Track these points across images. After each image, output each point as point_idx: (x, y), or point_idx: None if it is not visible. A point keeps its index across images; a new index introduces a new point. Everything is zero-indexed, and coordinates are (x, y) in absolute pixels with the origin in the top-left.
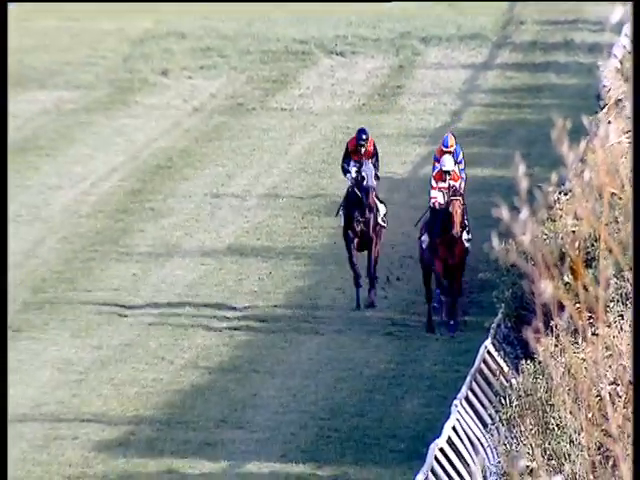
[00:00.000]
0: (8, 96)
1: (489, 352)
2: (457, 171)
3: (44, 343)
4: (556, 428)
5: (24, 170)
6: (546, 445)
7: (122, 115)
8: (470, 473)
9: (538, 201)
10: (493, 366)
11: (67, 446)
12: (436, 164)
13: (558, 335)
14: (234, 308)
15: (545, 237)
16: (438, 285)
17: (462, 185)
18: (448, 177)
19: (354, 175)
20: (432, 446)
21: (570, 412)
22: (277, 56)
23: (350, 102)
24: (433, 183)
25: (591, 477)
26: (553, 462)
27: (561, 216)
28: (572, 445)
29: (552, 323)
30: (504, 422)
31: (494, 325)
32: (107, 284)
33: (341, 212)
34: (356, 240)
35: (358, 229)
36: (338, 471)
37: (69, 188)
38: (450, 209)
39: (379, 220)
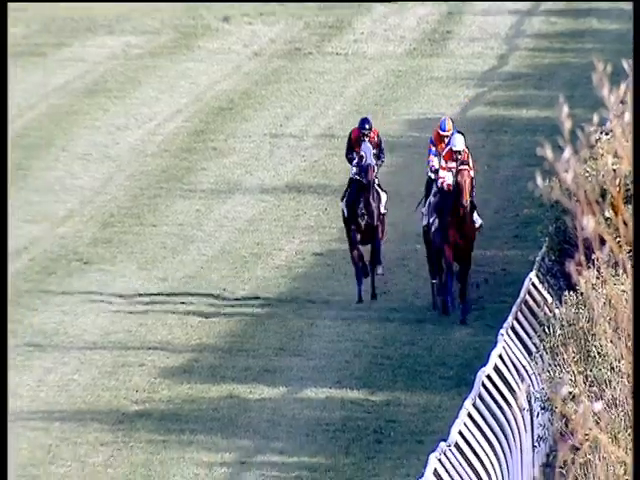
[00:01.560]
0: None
1: (534, 284)
2: (467, 151)
3: (113, 275)
4: (597, 356)
5: (93, 112)
6: (588, 372)
7: (186, 59)
8: (515, 399)
9: (580, 141)
10: (537, 297)
11: (134, 372)
12: (432, 147)
13: (599, 268)
14: (292, 242)
15: (587, 175)
16: (447, 269)
17: (471, 164)
18: (459, 157)
19: (357, 162)
20: (479, 373)
21: (610, 341)
22: (333, 3)
23: (402, 47)
24: (442, 163)
25: (630, 402)
26: (594, 388)
27: (602, 155)
28: (612, 372)
29: (593, 256)
30: (548, 350)
31: (538, 258)
32: (172, 219)
33: (343, 206)
34: (359, 235)
35: (362, 222)
36: (390, 396)
37: (136, 128)
38: (459, 178)
39: (381, 208)
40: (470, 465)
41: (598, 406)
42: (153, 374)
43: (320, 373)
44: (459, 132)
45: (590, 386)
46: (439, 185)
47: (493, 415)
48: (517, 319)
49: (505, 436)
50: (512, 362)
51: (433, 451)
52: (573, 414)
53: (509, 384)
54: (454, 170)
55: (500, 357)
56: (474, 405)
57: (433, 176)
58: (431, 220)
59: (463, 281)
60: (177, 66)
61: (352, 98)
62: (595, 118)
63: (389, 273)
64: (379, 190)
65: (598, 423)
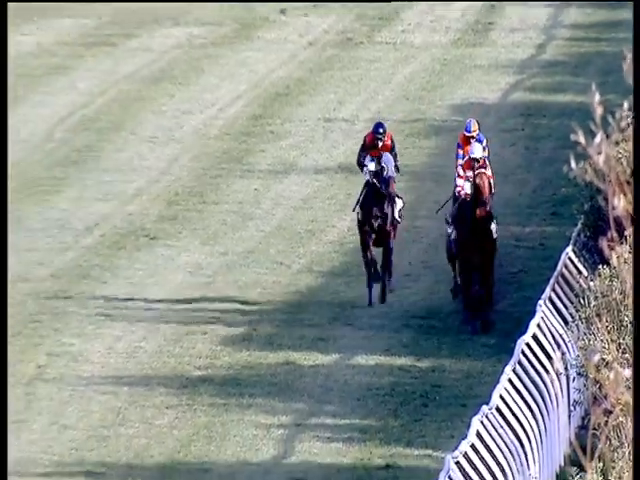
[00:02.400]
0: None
1: (570, 258)
2: (485, 158)
3: (177, 249)
4: (629, 325)
5: (160, 97)
6: (620, 341)
7: (245, 49)
8: (552, 365)
9: (612, 125)
10: (573, 270)
11: (197, 340)
12: (459, 151)
13: (630, 243)
14: (343, 219)
15: (618, 157)
16: (467, 280)
17: (490, 172)
18: (477, 165)
19: (373, 168)
20: (519, 341)
21: None
22: None
23: (447, 37)
24: (460, 172)
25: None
26: (626, 355)
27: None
28: None
29: (625, 233)
30: (583, 320)
31: (574, 234)
32: (232, 198)
33: (358, 209)
34: (373, 235)
35: (376, 225)
36: (436, 363)
37: (199, 113)
38: (477, 180)
39: (395, 215)
40: (510, 427)
41: (629, 372)
42: (215, 342)
43: (370, 341)
44: (478, 140)
45: (622, 353)
46: (456, 193)
47: (532, 380)
48: (554, 291)
49: (543, 400)
50: (549, 331)
51: (476, 414)
52: (606, 380)
53: (547, 352)
54: (471, 179)
55: (538, 326)
56: (514, 371)
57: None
58: (449, 230)
59: (487, 289)
60: (237, 55)
61: (400, 84)
62: (626, 104)
63: (432, 249)
64: (395, 197)
65: (629, 388)
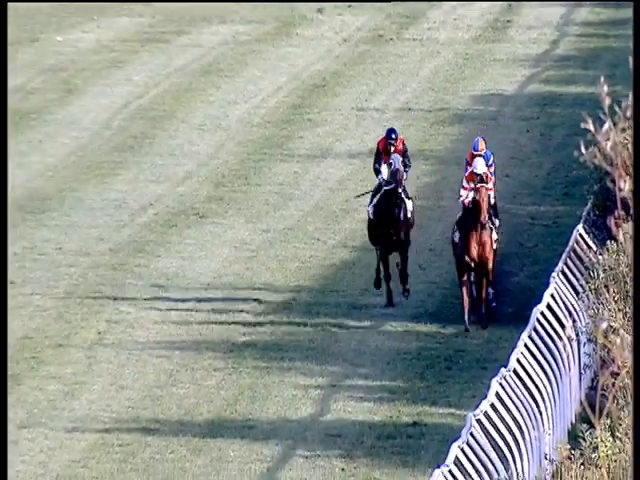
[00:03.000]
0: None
1: (580, 235)
2: (489, 173)
3: (224, 227)
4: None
5: (208, 89)
6: (626, 309)
7: (285, 45)
8: (565, 332)
9: (619, 114)
10: (584, 246)
11: (242, 309)
12: (468, 167)
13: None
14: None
15: (624, 143)
16: (469, 278)
17: (492, 186)
18: (478, 179)
19: (386, 176)
20: (534, 310)
21: None
22: None
23: (468, 33)
24: (465, 184)
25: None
26: (631, 323)
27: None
28: None
29: (630, 212)
30: (592, 291)
31: (584, 213)
32: (273, 180)
33: (370, 209)
34: (385, 246)
35: (389, 235)
36: (459, 330)
37: (243, 103)
38: (477, 197)
39: (408, 214)
40: (526, 388)
41: None
42: (258, 310)
43: (399, 310)
44: (481, 156)
45: (628, 321)
46: (460, 202)
47: (546, 346)
48: (566, 264)
49: (556, 363)
50: (562, 301)
51: (495, 376)
52: (613, 345)
53: (559, 320)
54: (475, 192)
55: (552, 297)
56: (530, 337)
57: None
58: (454, 236)
59: (480, 290)
60: (278, 50)
61: (426, 77)
62: (631, 94)
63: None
64: (405, 199)
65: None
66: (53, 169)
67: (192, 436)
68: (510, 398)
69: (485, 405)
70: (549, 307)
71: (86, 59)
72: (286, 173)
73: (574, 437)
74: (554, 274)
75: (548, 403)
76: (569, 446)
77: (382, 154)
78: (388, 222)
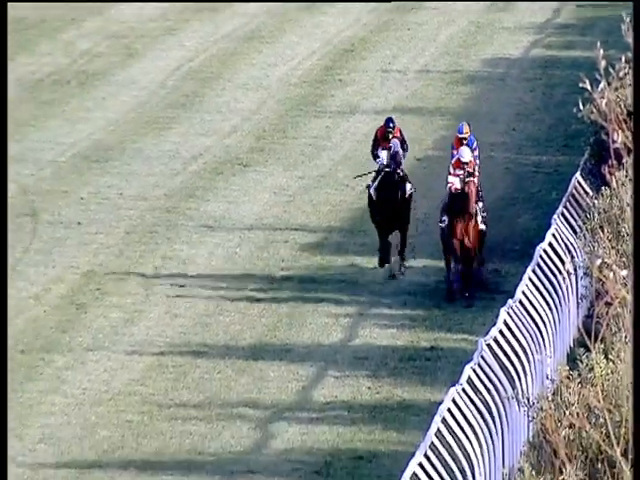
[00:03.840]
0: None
1: (579, 182)
2: (473, 159)
3: (264, 174)
4: (625, 235)
5: (251, 53)
6: (618, 247)
7: (319, 14)
8: (564, 267)
9: (612, 75)
10: (581, 191)
11: (280, 247)
12: (453, 152)
13: (627, 170)
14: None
15: (617, 101)
16: (456, 260)
17: (477, 170)
18: (465, 166)
19: (384, 157)
20: (538, 248)
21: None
22: None
23: (480, 4)
24: (451, 170)
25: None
26: (623, 259)
27: (629, 85)
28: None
29: (623, 161)
30: (589, 231)
31: (582, 162)
32: (308, 133)
33: (371, 191)
34: (386, 225)
35: (389, 215)
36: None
37: (282, 65)
38: (466, 189)
39: (406, 195)
40: (530, 316)
41: (625, 272)
42: (295, 248)
43: (420, 247)
44: (468, 144)
45: (620, 257)
46: (447, 189)
47: (548, 279)
48: (566, 207)
49: (557, 295)
50: (562, 240)
51: (503, 306)
52: (607, 279)
53: (560, 256)
54: (461, 176)
55: (553, 236)
56: (534, 272)
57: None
58: (443, 219)
59: (467, 270)
60: (313, 19)
61: (442, 42)
62: (623, 57)
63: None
64: (405, 183)
65: (625, 285)
66: (115, 123)
67: (237, 358)
68: (516, 325)
69: (494, 331)
70: (551, 245)
71: (145, 27)
72: (319, 127)
73: (572, 360)
74: (555, 216)
75: (549, 330)
76: (568, 367)
77: (380, 141)
78: (388, 201)
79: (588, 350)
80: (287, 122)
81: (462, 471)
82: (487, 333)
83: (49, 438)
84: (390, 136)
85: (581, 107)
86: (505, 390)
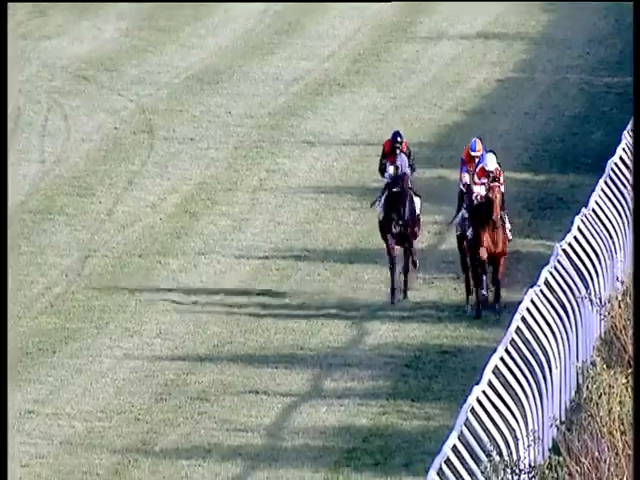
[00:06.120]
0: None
1: None
2: (499, 167)
3: (359, 95)
4: None
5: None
6: None
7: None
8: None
9: None
10: None
11: (373, 161)
12: (463, 166)
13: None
14: (481, 73)
15: None
16: (483, 272)
17: (502, 179)
18: (491, 175)
19: (392, 172)
20: (609, 161)
21: None
22: None
23: None
24: (475, 179)
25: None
26: None
27: None
28: None
29: None
30: None
31: None
32: (400, 57)
33: (378, 208)
34: (394, 241)
35: (396, 231)
36: (549, 177)
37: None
38: (490, 194)
39: (416, 211)
40: (602, 223)
41: None
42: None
43: (504, 159)
44: (490, 151)
45: None
46: (473, 198)
47: (619, 190)
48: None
49: (627, 204)
50: (632, 154)
51: (577, 214)
52: None
53: (629, 168)
54: (486, 185)
55: (623, 150)
56: (605, 183)
57: (464, 190)
58: (468, 232)
59: (497, 282)
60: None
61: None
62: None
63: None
64: (413, 196)
65: None
66: (225, 49)
67: (334, 262)
68: (589, 231)
69: (570, 237)
70: (621, 159)
71: None
72: (409, 51)
73: None
74: (625, 132)
75: (620, 236)
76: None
77: (387, 155)
78: (396, 219)
79: None
80: (380, 47)
81: (540, 365)
82: (563, 239)
83: (165, 334)
84: (397, 151)
85: None
86: (579, 291)
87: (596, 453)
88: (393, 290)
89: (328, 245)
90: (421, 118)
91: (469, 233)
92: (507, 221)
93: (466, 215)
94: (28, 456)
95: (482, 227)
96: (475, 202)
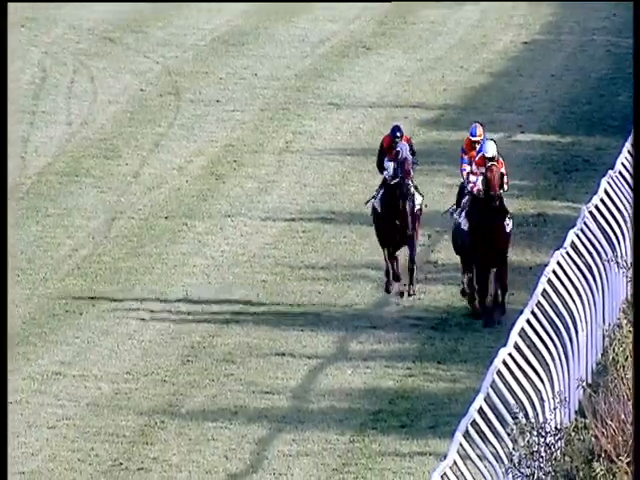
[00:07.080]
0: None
1: None
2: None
3: (385, 57)
4: None
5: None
6: None
7: None
8: None
9: None
10: None
11: (401, 122)
12: (464, 155)
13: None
14: (507, 34)
15: None
16: (485, 267)
17: (504, 171)
18: (490, 163)
19: (391, 169)
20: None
21: None
22: None
23: None
24: (474, 168)
25: None
26: None
27: None
28: None
29: None
30: None
31: None
32: (426, 19)
33: (375, 204)
34: (393, 244)
35: (395, 234)
36: (575, 140)
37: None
38: (487, 174)
39: (416, 208)
40: (629, 185)
41: None
42: (413, 124)
43: (528, 125)
44: (491, 139)
45: None
46: (469, 189)
47: None
48: None
49: None
50: None
51: (604, 176)
52: None
53: None
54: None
55: None
56: (632, 145)
57: (466, 179)
58: (462, 223)
59: (502, 284)
60: None
61: None
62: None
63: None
64: (415, 193)
65: None
66: (250, 10)
67: (360, 224)
68: (616, 194)
69: (596, 199)
70: None
71: None
72: (436, 14)
73: None
74: None
75: None
76: None
77: (386, 151)
78: (395, 216)
79: None
80: (406, 9)
81: (566, 327)
82: (589, 201)
83: (191, 296)
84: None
85: None
86: (606, 253)
87: (622, 415)
88: (389, 282)
89: (354, 208)
90: (447, 80)
91: (465, 226)
92: (507, 218)
93: (464, 204)
94: (55, 417)
95: (480, 223)
96: (472, 193)
